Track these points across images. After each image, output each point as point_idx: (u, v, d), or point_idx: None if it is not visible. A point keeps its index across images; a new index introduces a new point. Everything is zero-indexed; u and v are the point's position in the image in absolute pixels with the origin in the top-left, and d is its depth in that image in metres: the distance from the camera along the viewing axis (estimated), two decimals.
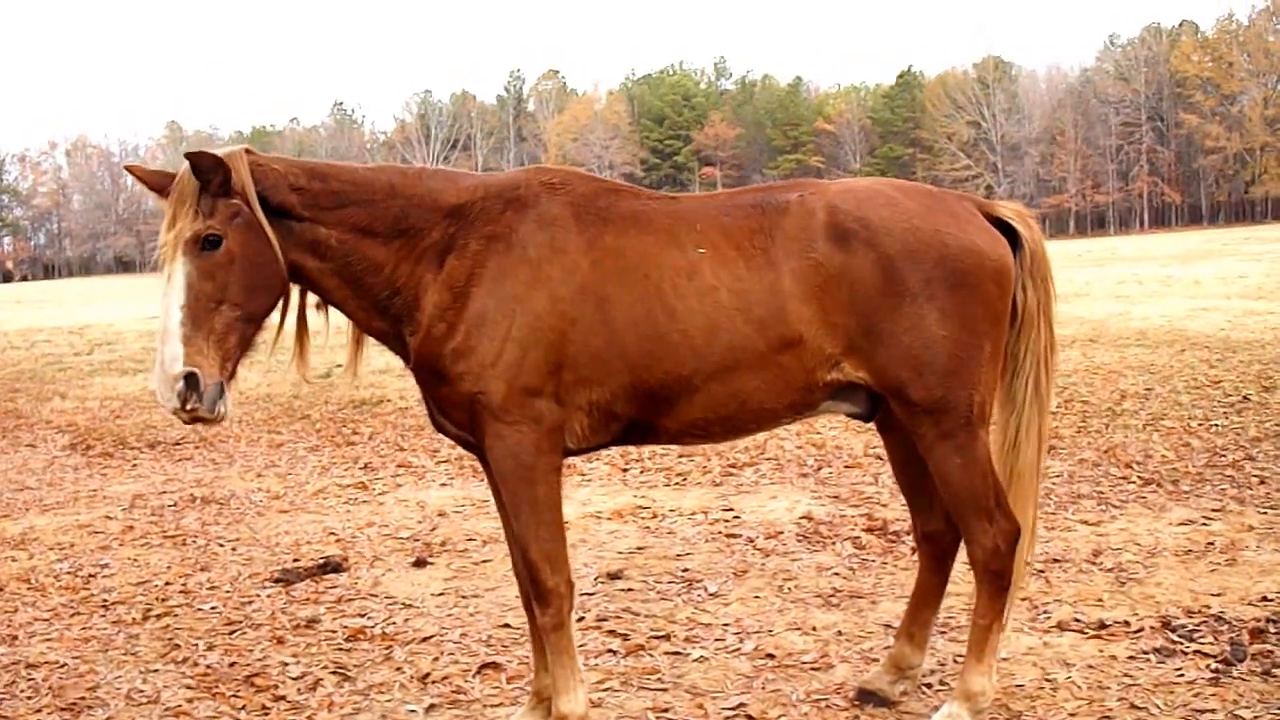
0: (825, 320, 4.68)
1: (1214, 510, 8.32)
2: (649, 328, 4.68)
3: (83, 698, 5.90)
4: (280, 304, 4.76)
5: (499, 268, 4.70)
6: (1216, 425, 11.25)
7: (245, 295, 4.52)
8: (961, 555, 5.30)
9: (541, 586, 4.79)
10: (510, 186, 4.89)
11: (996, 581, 4.91)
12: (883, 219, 4.72)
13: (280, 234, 4.60)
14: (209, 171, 4.44)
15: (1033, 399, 5.07)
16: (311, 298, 4.93)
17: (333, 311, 4.98)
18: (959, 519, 4.94)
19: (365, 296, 4.80)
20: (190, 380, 4.37)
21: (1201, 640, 5.89)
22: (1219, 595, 6.54)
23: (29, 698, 5.94)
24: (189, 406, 4.38)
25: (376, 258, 4.74)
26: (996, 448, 5.02)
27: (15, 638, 6.89)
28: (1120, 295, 27.97)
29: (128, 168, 4.94)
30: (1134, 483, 9.27)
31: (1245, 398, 12.60)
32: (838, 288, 4.67)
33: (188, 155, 4.44)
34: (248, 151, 4.64)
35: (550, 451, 4.74)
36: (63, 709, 5.76)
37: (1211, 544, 7.47)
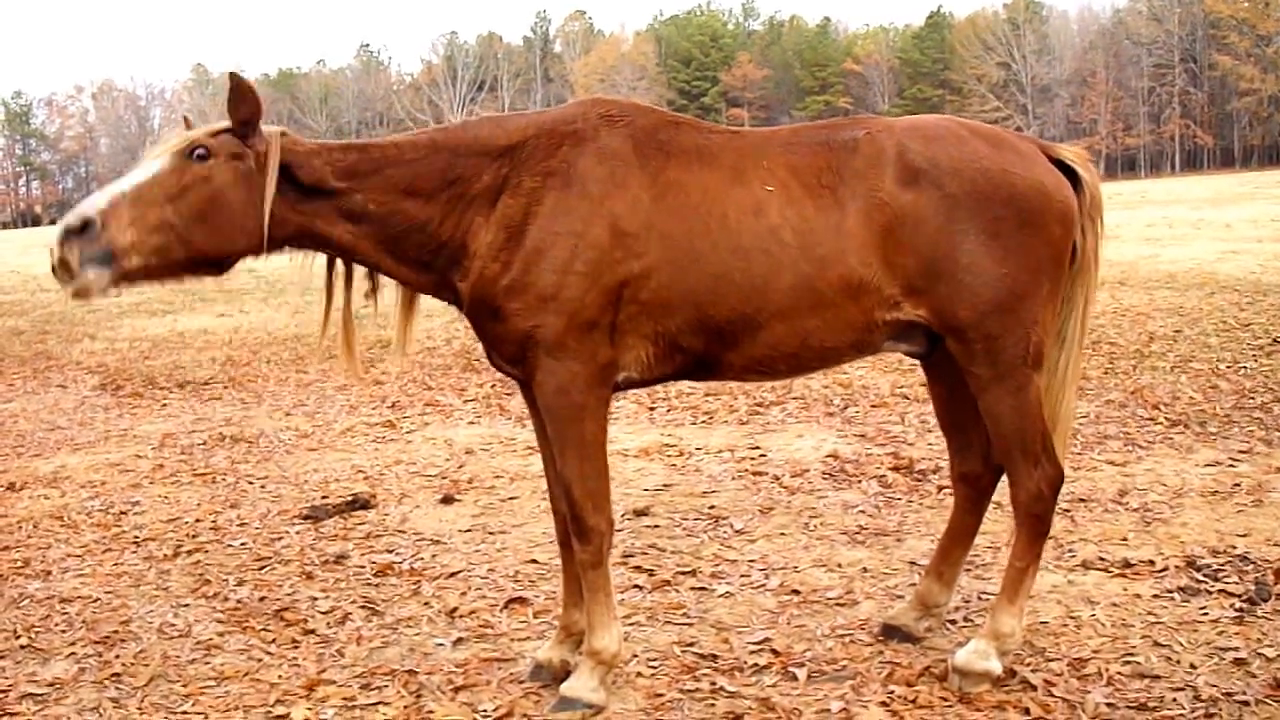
0: (886, 261, 4.62)
1: (1241, 452, 8.30)
2: (715, 265, 4.59)
3: (115, 631, 5.98)
4: (324, 301, 4.76)
5: (556, 203, 4.59)
6: (1245, 368, 11.19)
7: (194, 215, 4.39)
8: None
9: (583, 524, 4.76)
10: (565, 120, 4.77)
11: (1037, 525, 4.89)
12: (952, 158, 4.66)
13: (310, 210, 4.56)
14: (241, 101, 4.39)
15: (1079, 342, 5.04)
16: (359, 287, 4.85)
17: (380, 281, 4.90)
18: (1006, 461, 4.91)
19: (405, 256, 4.72)
20: (86, 226, 4.22)
21: (1226, 579, 5.89)
22: (1244, 536, 6.53)
23: (63, 631, 6.03)
24: (63, 246, 4.21)
25: (420, 216, 4.65)
26: (1043, 390, 4.97)
27: (49, 573, 6.98)
28: (1150, 238, 27.69)
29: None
30: (1161, 424, 9.24)
31: (1275, 340, 12.52)
32: (902, 227, 4.61)
33: (232, 74, 4.35)
34: (283, 134, 4.58)
35: (600, 387, 4.68)
36: (96, 642, 5.84)
37: (1238, 485, 7.45)
